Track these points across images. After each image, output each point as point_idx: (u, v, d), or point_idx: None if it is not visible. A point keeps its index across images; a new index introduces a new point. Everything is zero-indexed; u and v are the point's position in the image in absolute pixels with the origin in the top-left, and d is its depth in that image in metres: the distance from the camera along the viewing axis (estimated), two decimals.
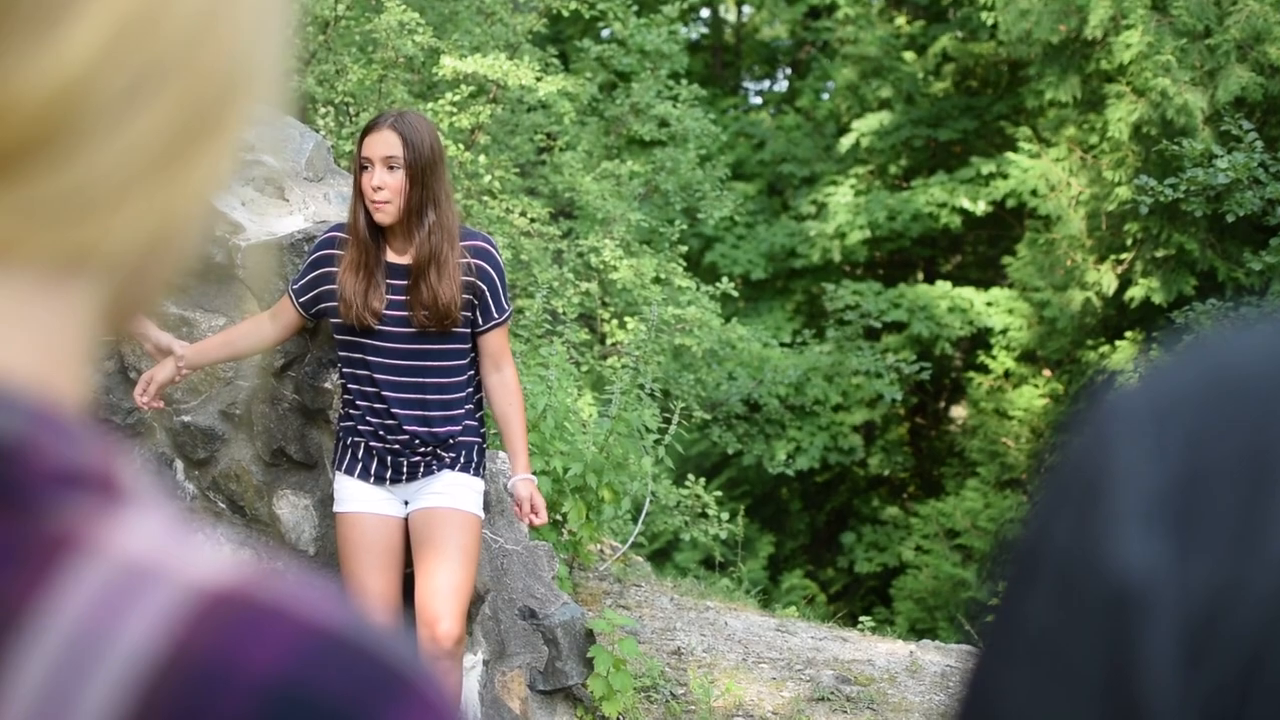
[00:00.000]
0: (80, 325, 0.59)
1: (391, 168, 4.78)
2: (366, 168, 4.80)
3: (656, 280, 12.22)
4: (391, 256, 4.89)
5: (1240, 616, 0.62)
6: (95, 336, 0.61)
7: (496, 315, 5.00)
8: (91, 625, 0.53)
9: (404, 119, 4.86)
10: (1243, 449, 0.65)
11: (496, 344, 5.04)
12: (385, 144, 4.80)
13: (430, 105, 11.00)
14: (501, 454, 5.89)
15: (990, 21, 15.74)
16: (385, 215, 4.81)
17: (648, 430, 7.78)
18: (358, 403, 5.00)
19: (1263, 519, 0.63)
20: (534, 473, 6.49)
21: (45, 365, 0.58)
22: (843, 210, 17.71)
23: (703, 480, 9.37)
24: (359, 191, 4.83)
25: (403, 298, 4.88)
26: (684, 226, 12.82)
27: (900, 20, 19.86)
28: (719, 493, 9.88)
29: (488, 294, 4.96)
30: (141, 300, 0.63)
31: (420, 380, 4.95)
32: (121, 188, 0.57)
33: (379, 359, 4.92)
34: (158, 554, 0.55)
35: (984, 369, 16.92)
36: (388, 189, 4.78)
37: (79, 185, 0.56)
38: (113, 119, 0.56)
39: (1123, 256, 14.60)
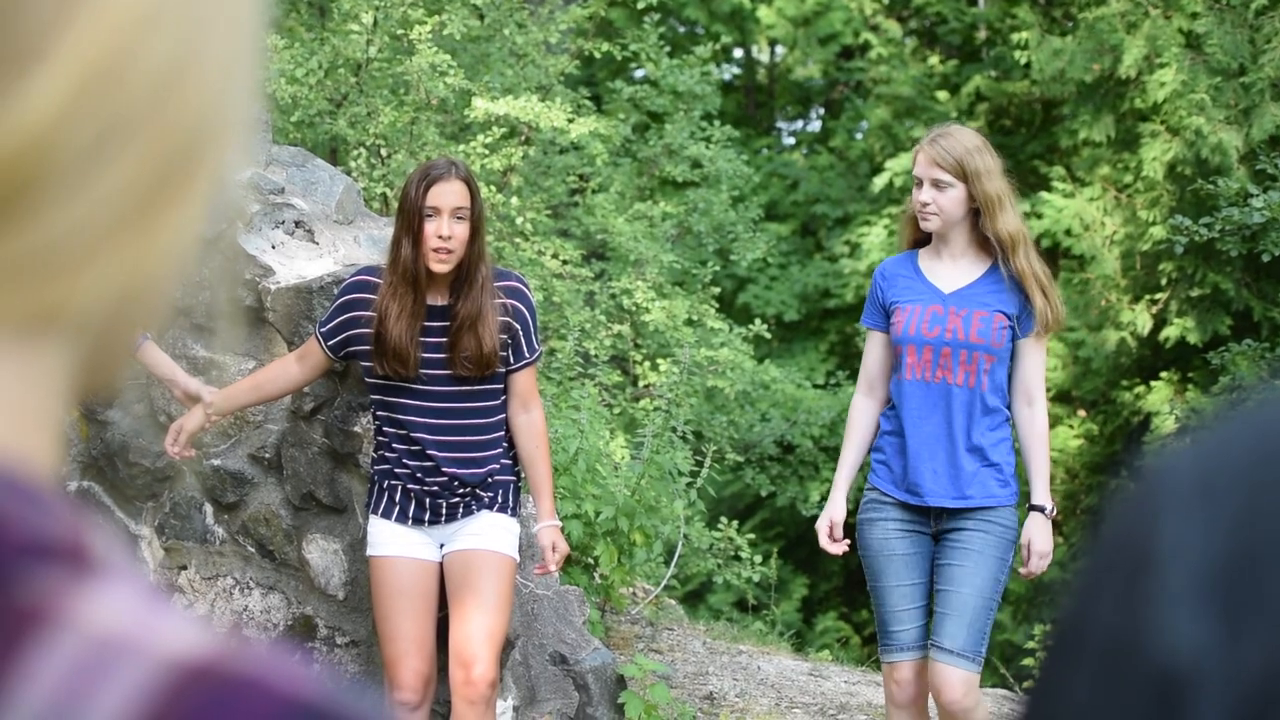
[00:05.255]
0: (50, 387, 0.57)
1: (459, 218, 4.82)
2: (431, 216, 4.80)
3: (689, 322, 12.22)
4: (429, 299, 4.91)
5: None
6: (65, 398, 0.58)
7: (528, 355, 5.03)
8: (65, 700, 0.51)
9: (465, 169, 4.90)
10: None
11: (526, 384, 5.06)
12: (456, 195, 4.83)
13: (462, 147, 11.03)
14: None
15: (1023, 61, 15.73)
16: (445, 265, 4.83)
17: (680, 473, 7.76)
18: (394, 446, 5.00)
19: None
20: (566, 516, 6.49)
21: (14, 431, 0.56)
22: (876, 249, 17.69)
23: (735, 522, 9.34)
24: (418, 238, 4.83)
25: (441, 340, 4.89)
26: (717, 268, 12.81)
27: (933, 60, 19.87)
28: (752, 535, 9.85)
29: (520, 333, 4.99)
30: (112, 358, 0.61)
31: (458, 422, 4.96)
32: (90, 244, 0.55)
33: (417, 402, 4.93)
34: (131, 626, 0.53)
35: None
36: (455, 238, 4.80)
37: (46, 243, 0.54)
38: (79, 174, 0.54)
39: (1158, 296, 14.54)
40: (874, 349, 5.32)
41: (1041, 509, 5.17)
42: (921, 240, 5.26)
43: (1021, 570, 5.13)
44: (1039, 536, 5.12)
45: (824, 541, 5.29)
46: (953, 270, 5.17)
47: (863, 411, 5.35)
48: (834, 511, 5.32)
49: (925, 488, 5.07)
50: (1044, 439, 5.20)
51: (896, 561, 5.11)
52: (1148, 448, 0.69)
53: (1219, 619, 0.60)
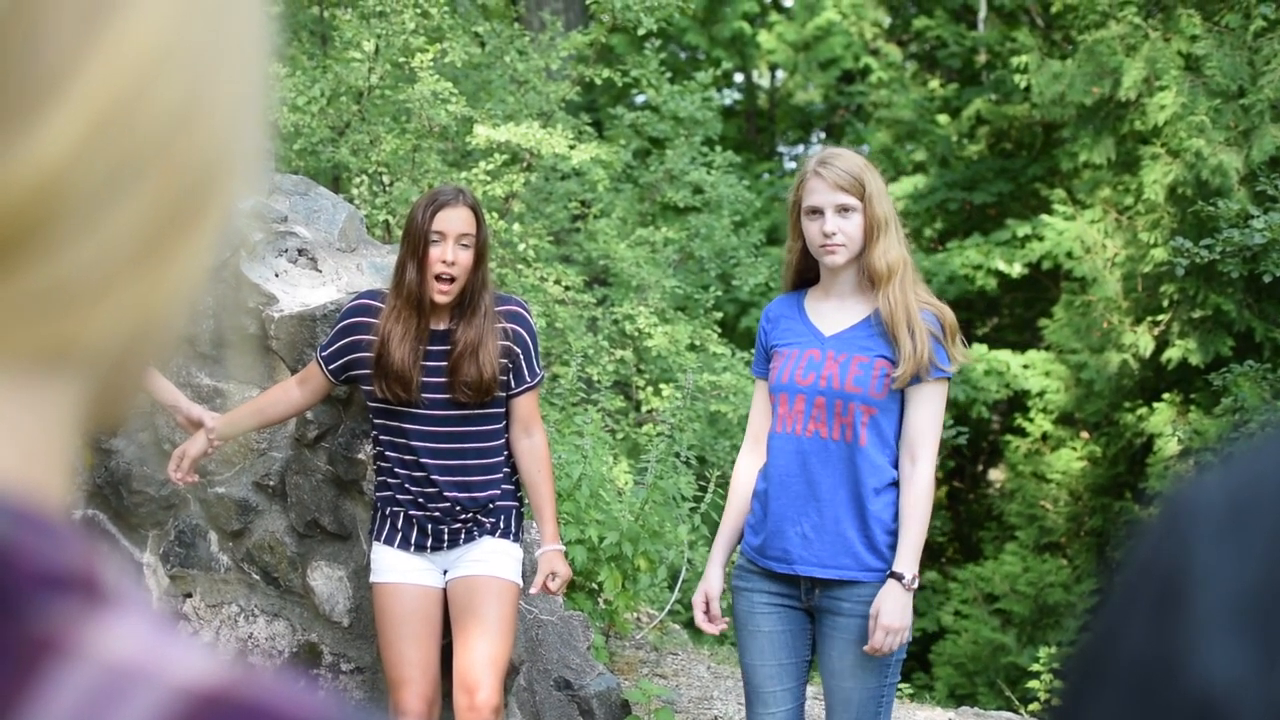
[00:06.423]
0: (62, 421, 0.58)
1: (464, 245, 4.84)
2: (436, 241, 4.83)
3: (691, 347, 12.20)
4: (431, 323, 4.92)
5: None
6: (77, 431, 0.60)
7: (529, 379, 5.03)
8: None
9: (472, 197, 4.92)
10: None
11: (527, 408, 5.06)
12: (462, 221, 4.85)
13: (464, 174, 11.03)
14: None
15: (1023, 84, 15.75)
16: (447, 296, 4.85)
17: (684, 498, 7.75)
18: (396, 471, 5.00)
19: None
20: (570, 541, 6.48)
21: (27, 464, 0.57)
22: None
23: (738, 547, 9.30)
24: (422, 263, 4.85)
25: (442, 364, 4.90)
26: (718, 293, 12.81)
27: (934, 83, 19.90)
28: None
29: (521, 358, 4.99)
30: (123, 392, 0.62)
31: (460, 446, 4.96)
32: (102, 280, 0.56)
33: (418, 426, 4.94)
34: (144, 655, 0.54)
35: (1022, 432, 16.84)
36: (459, 265, 4.83)
37: (59, 279, 0.55)
38: (92, 212, 0.55)
39: (1159, 318, 14.53)
40: (759, 399, 4.69)
41: (900, 577, 4.33)
42: (810, 280, 4.65)
43: (866, 648, 4.33)
44: (889, 607, 4.30)
45: (699, 619, 4.68)
46: (839, 310, 4.53)
47: (744, 469, 4.72)
48: (708, 586, 4.70)
49: (794, 554, 4.45)
50: (922, 501, 4.38)
51: (761, 639, 4.54)
52: (1162, 471, 0.69)
53: (1254, 645, 0.60)
